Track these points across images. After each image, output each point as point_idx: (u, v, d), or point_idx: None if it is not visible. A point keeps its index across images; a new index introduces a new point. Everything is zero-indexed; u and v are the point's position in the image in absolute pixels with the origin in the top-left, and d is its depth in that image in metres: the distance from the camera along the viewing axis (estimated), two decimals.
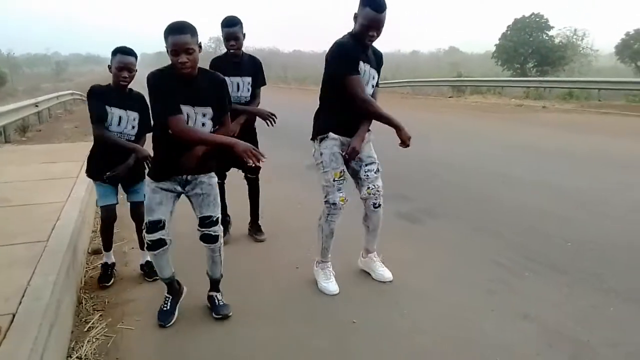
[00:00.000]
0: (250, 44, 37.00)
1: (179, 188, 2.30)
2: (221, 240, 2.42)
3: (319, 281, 2.80)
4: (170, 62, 2.10)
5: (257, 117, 3.38)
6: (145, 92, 2.35)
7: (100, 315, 2.47)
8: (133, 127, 2.74)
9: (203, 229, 2.36)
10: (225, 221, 3.49)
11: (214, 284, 2.56)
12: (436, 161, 6.36)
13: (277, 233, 3.68)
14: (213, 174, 2.38)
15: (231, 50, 3.16)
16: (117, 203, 2.85)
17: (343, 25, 2.81)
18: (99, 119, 2.66)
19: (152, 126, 2.35)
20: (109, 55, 2.64)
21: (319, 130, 2.67)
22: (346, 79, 2.49)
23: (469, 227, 3.83)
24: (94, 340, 2.24)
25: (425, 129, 9.41)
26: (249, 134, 3.28)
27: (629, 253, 3.21)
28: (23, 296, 2.08)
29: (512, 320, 2.40)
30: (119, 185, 2.84)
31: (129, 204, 2.91)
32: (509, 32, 29.38)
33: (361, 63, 2.53)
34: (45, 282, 2.19)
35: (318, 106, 2.73)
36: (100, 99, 2.67)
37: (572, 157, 6.49)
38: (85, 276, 2.95)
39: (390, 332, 2.30)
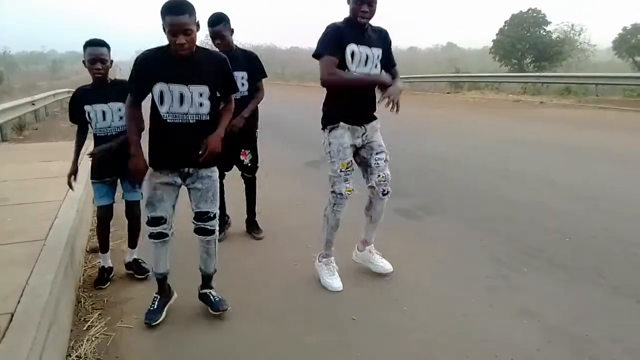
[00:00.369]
0: (247, 41, 36.76)
1: (179, 181, 2.28)
2: (216, 233, 2.39)
3: (322, 277, 2.77)
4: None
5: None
6: None
7: (99, 314, 2.46)
8: (120, 118, 2.66)
9: (199, 223, 2.34)
10: (224, 221, 3.47)
11: (207, 280, 2.51)
12: (434, 157, 6.36)
13: (276, 231, 3.67)
14: (215, 168, 2.34)
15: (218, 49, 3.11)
16: (114, 202, 2.83)
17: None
18: (81, 126, 2.72)
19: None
20: None
21: (329, 120, 2.64)
22: (320, 60, 2.46)
23: (468, 222, 3.83)
24: (93, 339, 2.24)
25: (424, 125, 9.42)
26: (248, 131, 3.29)
27: (628, 248, 3.21)
28: (21, 295, 2.07)
29: (511, 316, 2.41)
30: (117, 185, 2.81)
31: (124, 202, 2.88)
32: (506, 27, 29.27)
33: (352, 45, 2.47)
34: (44, 281, 2.18)
35: (325, 95, 2.68)
36: (77, 104, 2.67)
37: (570, 152, 6.49)
38: (83, 275, 2.94)
39: (390, 329, 2.31)
